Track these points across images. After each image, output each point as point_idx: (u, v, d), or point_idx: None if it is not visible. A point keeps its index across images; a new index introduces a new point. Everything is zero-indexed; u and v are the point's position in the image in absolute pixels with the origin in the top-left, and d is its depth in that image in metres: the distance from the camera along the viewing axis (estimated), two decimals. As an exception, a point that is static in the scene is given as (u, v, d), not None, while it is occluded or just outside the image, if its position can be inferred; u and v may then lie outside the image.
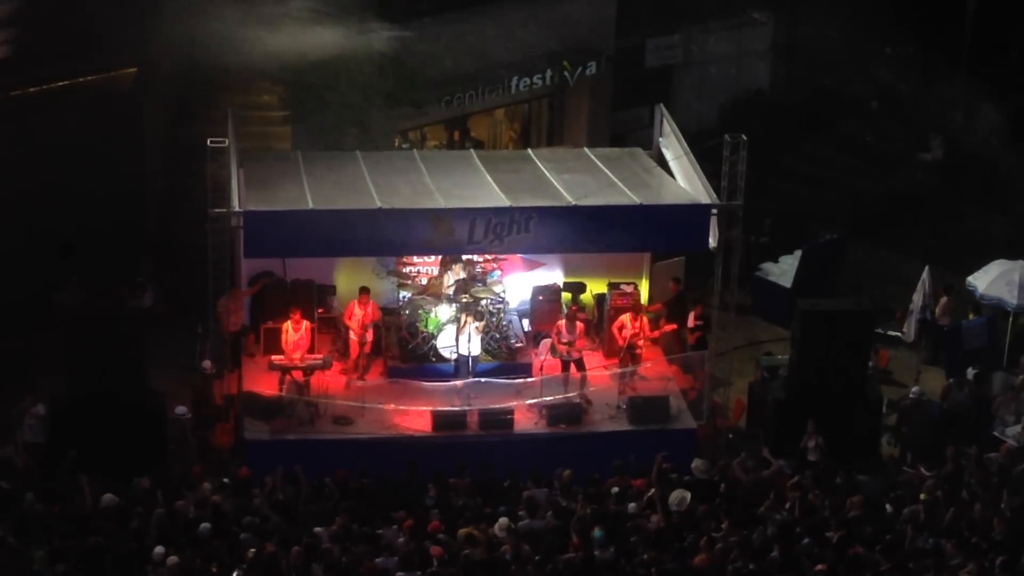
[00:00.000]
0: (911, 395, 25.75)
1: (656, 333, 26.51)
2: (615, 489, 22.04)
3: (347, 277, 26.54)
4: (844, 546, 20.09)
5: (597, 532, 20.43)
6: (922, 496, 22.03)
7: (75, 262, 26.63)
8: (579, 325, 25.58)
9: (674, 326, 26.88)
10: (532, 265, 27.16)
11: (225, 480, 22.15)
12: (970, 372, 25.90)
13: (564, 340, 25.42)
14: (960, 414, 25.09)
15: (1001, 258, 28.83)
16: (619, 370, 25.45)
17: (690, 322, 26.74)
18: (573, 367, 25.43)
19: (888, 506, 21.91)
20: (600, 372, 25.69)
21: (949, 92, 37.16)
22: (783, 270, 30.66)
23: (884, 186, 34.97)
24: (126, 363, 23.37)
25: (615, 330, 25.97)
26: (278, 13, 28.55)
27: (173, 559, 19.07)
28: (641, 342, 25.83)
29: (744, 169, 24.78)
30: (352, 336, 25.51)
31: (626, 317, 25.86)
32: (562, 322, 25.54)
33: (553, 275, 27.23)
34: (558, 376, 25.26)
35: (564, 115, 34.10)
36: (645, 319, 26.04)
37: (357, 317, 25.41)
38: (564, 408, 24.80)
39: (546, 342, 25.60)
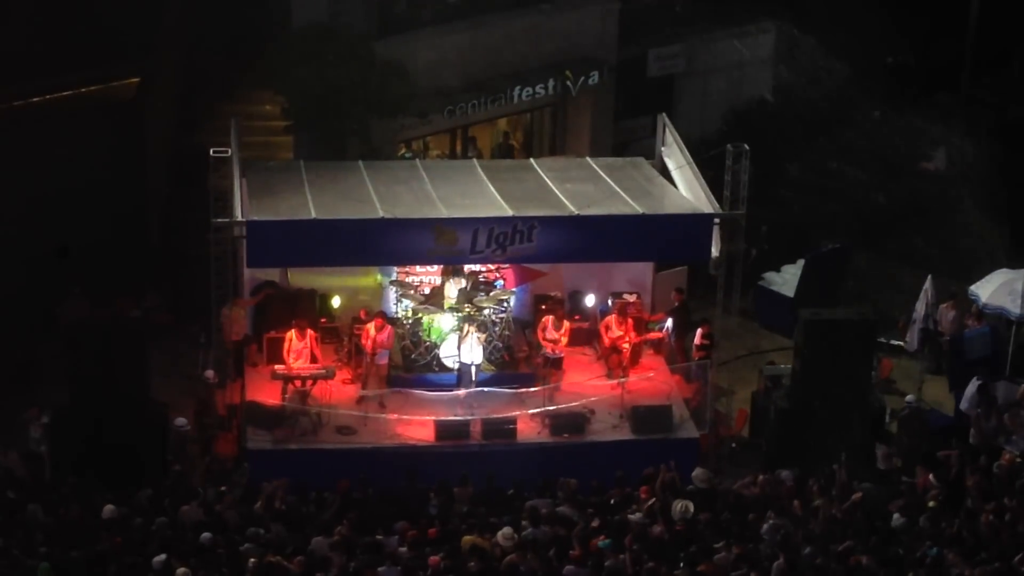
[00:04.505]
0: (906, 404, 25.73)
1: (642, 338, 26.50)
2: (613, 501, 22.08)
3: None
4: (847, 556, 20.08)
5: (603, 542, 20.39)
6: (930, 504, 21.96)
7: (77, 272, 26.63)
8: (566, 324, 25.70)
9: (660, 334, 26.87)
10: (534, 275, 27.18)
11: (222, 488, 22.14)
12: (1001, 402, 25.55)
13: (548, 337, 25.48)
14: (986, 443, 24.68)
15: (1003, 267, 28.81)
16: (619, 379, 25.48)
17: (697, 339, 26.63)
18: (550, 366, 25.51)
19: (896, 516, 21.85)
20: (598, 379, 25.72)
21: (951, 101, 37.21)
22: (785, 279, 30.64)
23: (886, 195, 34.99)
24: (128, 373, 23.33)
25: (602, 329, 26.14)
26: (282, 23, 28.64)
27: (183, 571, 19.04)
28: (626, 345, 25.85)
29: (746, 178, 24.80)
30: (368, 360, 25.40)
31: (612, 318, 25.98)
32: (549, 318, 25.60)
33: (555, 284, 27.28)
34: (552, 384, 25.25)
35: (566, 125, 34.12)
36: (631, 322, 26.08)
37: (372, 339, 25.31)
38: (567, 417, 24.79)
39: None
